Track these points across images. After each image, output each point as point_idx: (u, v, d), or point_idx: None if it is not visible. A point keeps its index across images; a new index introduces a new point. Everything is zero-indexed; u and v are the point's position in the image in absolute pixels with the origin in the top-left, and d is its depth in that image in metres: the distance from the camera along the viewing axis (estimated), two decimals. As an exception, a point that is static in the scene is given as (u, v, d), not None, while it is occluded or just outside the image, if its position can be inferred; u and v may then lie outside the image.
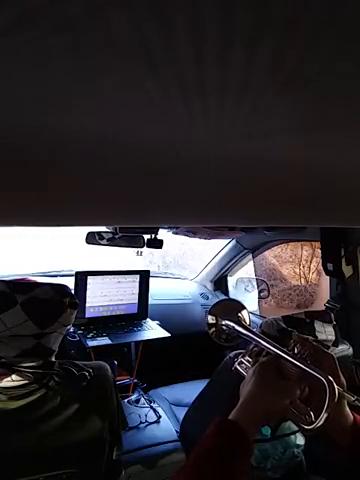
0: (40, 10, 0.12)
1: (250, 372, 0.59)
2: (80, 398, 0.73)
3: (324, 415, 0.48)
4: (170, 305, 1.83)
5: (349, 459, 0.53)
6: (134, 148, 0.26)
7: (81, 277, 1.48)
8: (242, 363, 0.69)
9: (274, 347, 0.59)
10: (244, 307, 0.74)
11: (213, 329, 0.73)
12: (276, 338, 0.67)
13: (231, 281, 2.06)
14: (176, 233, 1.40)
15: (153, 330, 1.53)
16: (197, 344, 1.78)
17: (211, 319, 0.73)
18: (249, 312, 0.75)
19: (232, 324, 0.70)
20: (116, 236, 1.34)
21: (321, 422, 0.49)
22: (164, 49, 0.15)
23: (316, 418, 0.50)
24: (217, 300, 0.83)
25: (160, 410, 1.32)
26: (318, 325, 0.85)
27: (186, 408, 1.13)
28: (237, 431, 0.51)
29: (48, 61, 0.16)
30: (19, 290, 0.66)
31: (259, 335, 0.65)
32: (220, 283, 2.08)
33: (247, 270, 2.15)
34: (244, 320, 0.71)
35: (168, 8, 0.12)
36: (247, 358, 0.68)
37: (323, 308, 1.27)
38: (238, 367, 0.69)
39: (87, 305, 1.50)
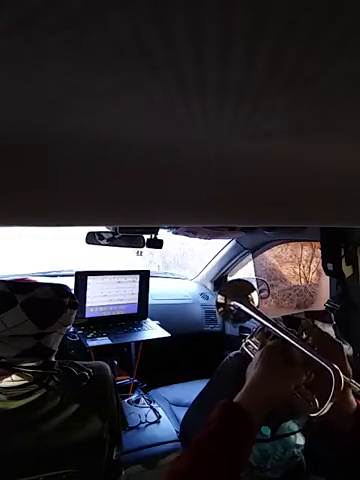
0: (40, 10, 0.12)
1: (257, 355, 0.59)
2: (80, 398, 0.73)
3: (329, 404, 0.48)
4: (170, 305, 1.83)
5: (351, 445, 0.53)
6: (134, 148, 0.26)
7: (81, 277, 1.48)
8: (249, 344, 0.69)
9: (281, 331, 0.59)
10: (254, 288, 0.74)
11: (221, 308, 0.73)
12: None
13: (231, 281, 2.06)
14: (176, 233, 1.39)
15: (153, 330, 1.53)
16: (197, 344, 1.78)
17: (220, 298, 0.74)
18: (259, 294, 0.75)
19: (239, 305, 0.70)
20: (116, 236, 1.34)
21: (326, 410, 0.49)
22: (164, 49, 0.15)
23: (321, 406, 0.50)
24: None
25: (160, 410, 1.32)
26: (318, 325, 0.85)
27: (186, 408, 1.13)
28: (242, 414, 0.50)
29: (48, 61, 0.16)
30: (19, 290, 0.66)
31: (266, 317, 0.64)
32: (220, 283, 2.07)
33: (247, 270, 2.15)
34: (252, 300, 0.71)
35: (168, 8, 0.12)
36: (254, 339, 0.68)
37: (323, 308, 1.27)
38: (245, 348, 0.69)
39: (87, 305, 1.50)
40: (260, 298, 1.89)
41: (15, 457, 0.66)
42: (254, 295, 0.72)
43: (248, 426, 0.50)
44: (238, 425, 0.50)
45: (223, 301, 0.73)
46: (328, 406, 0.48)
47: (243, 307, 0.69)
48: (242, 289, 0.74)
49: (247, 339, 0.70)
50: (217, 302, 0.74)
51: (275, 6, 0.12)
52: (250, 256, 1.94)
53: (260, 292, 1.83)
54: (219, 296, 0.74)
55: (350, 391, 0.54)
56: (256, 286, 1.90)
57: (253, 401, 0.52)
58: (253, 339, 0.69)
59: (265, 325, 0.64)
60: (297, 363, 0.55)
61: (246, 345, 0.70)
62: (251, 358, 0.63)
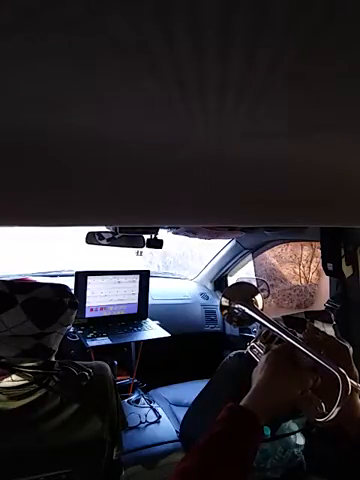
0: (40, 10, 0.12)
1: (263, 359, 0.59)
2: (80, 398, 0.73)
3: (336, 409, 0.48)
4: (170, 305, 1.83)
5: (356, 448, 0.52)
6: (134, 148, 0.26)
7: (81, 277, 1.48)
8: (254, 348, 0.68)
9: (287, 335, 0.58)
10: (258, 291, 0.73)
11: (225, 311, 0.72)
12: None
13: (231, 281, 2.06)
14: (176, 233, 1.39)
15: (153, 330, 1.53)
16: (197, 344, 1.78)
17: (224, 301, 0.73)
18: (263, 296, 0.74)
19: (243, 308, 0.69)
20: (116, 236, 1.34)
21: (333, 416, 0.48)
22: (164, 49, 0.15)
23: (327, 410, 0.49)
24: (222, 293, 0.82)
25: (160, 410, 1.32)
26: (318, 325, 0.85)
27: (186, 408, 1.13)
28: (249, 417, 0.50)
29: (48, 61, 0.16)
30: (19, 290, 0.66)
31: (271, 320, 0.63)
32: (220, 283, 2.08)
33: (247, 270, 2.15)
34: (257, 303, 0.70)
35: (168, 8, 0.12)
36: (259, 343, 0.68)
37: (323, 308, 1.27)
38: (250, 352, 0.68)
39: (87, 305, 1.50)
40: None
41: (15, 457, 0.66)
42: (258, 298, 0.71)
43: (255, 429, 0.50)
44: (246, 428, 0.50)
45: (227, 304, 0.72)
46: (335, 411, 0.48)
47: (248, 310, 0.68)
48: (246, 292, 0.73)
49: (252, 342, 0.69)
50: (221, 305, 0.73)
51: (275, 6, 0.12)
52: (250, 256, 1.94)
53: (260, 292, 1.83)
54: (223, 299, 0.73)
55: (357, 395, 0.53)
56: (256, 286, 1.90)
57: (260, 405, 0.52)
58: (258, 342, 0.68)
59: (270, 329, 0.63)
60: (303, 367, 0.55)
61: (251, 349, 0.69)
62: (254, 360, 0.63)
